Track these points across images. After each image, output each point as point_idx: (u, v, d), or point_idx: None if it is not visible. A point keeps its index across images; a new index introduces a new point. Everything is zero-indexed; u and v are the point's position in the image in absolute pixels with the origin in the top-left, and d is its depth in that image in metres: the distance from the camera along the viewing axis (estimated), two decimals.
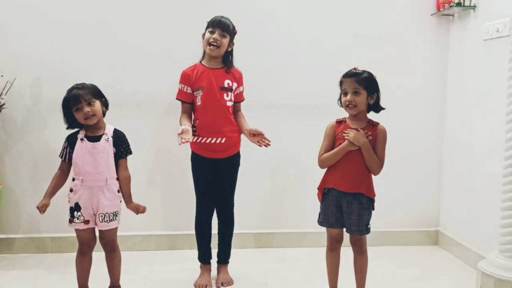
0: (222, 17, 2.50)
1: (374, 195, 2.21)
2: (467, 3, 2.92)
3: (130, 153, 2.30)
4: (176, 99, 2.56)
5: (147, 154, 3.09)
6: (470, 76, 2.95)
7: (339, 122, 2.23)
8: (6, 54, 2.92)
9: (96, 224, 2.22)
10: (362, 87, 2.14)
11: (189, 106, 2.55)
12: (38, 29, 2.95)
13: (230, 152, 2.55)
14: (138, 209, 2.28)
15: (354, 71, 2.17)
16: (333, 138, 2.22)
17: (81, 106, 2.15)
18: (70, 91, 2.19)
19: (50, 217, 3.00)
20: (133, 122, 2.93)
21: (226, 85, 2.51)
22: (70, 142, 2.21)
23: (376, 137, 2.18)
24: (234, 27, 2.52)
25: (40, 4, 2.94)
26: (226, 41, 2.48)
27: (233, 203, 2.65)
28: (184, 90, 2.52)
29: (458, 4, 2.95)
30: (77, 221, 2.19)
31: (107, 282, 2.36)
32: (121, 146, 2.25)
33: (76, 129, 2.23)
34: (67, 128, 2.23)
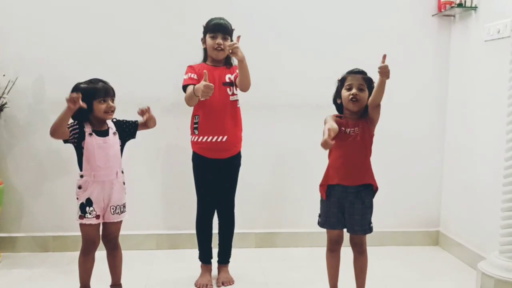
0: (220, 19, 2.52)
1: (376, 183, 2.23)
2: (468, 4, 2.92)
3: (137, 121, 2.36)
4: (183, 85, 2.51)
5: (148, 153, 3.11)
6: (471, 76, 2.95)
7: (338, 117, 2.24)
8: (8, 53, 2.94)
9: (105, 217, 2.24)
10: (366, 86, 2.17)
11: None
12: (40, 28, 2.96)
13: (231, 152, 2.56)
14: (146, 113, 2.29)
15: (360, 69, 2.21)
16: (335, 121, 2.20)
17: (108, 99, 2.20)
18: (96, 82, 2.21)
19: (52, 216, 3.04)
20: None
21: (227, 80, 2.53)
22: (80, 129, 2.18)
23: (367, 121, 2.19)
24: (231, 26, 2.54)
25: (42, 4, 2.95)
26: (228, 42, 2.50)
27: (234, 203, 2.66)
28: (192, 76, 2.50)
29: (460, 5, 2.95)
30: (89, 216, 2.20)
31: (108, 281, 2.37)
32: (127, 130, 2.32)
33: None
34: (73, 118, 2.20)
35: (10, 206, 3.03)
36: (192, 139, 2.57)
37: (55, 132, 2.12)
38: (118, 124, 2.32)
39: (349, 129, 2.19)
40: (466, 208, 3.00)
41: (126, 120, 2.34)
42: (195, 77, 2.51)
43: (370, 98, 2.17)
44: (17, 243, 3.05)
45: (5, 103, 2.86)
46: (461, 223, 3.05)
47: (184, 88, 2.51)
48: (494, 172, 2.63)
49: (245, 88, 2.53)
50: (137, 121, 2.36)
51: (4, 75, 2.87)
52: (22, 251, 3.05)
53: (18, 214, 3.06)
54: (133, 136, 2.35)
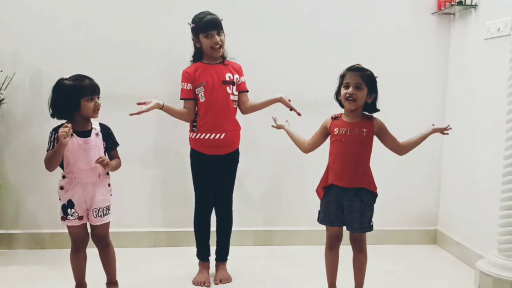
0: (208, 14, 2.47)
1: (376, 189, 2.21)
2: (468, 2, 2.91)
3: (118, 144, 2.30)
4: (180, 99, 2.54)
5: (146, 151, 3.09)
6: (470, 75, 2.95)
7: (335, 118, 2.23)
8: (5, 48, 2.92)
9: (89, 219, 2.20)
10: (364, 84, 2.14)
11: (192, 103, 2.53)
12: (37, 23, 2.94)
13: (229, 148, 2.55)
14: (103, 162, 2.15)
15: (359, 66, 2.18)
16: (325, 132, 2.25)
17: (95, 97, 2.14)
18: (82, 79, 2.13)
19: (50, 213, 3.02)
20: (132, 118, 2.92)
21: (227, 79, 2.51)
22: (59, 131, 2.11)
23: (374, 131, 2.18)
24: (219, 17, 2.50)
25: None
26: (223, 36, 2.49)
27: (232, 200, 2.66)
28: (186, 88, 2.50)
29: (459, 3, 2.93)
30: (71, 218, 2.16)
31: (105, 278, 2.35)
32: (111, 139, 2.26)
33: (61, 122, 2.15)
34: (54, 117, 2.14)
35: (7, 202, 3.02)
36: (191, 136, 2.56)
37: (51, 168, 2.11)
38: (105, 129, 2.23)
39: (343, 129, 2.17)
40: (464, 207, 2.99)
41: (113, 135, 2.27)
42: (190, 87, 2.50)
43: (403, 143, 2.21)
44: (14, 240, 3.04)
45: (3, 99, 2.85)
46: (460, 222, 3.04)
47: (182, 100, 2.52)
48: (492, 170, 2.62)
49: (246, 113, 2.64)
50: (117, 144, 2.28)
51: (1, 71, 2.85)
52: (18, 248, 3.04)
53: (16, 210, 3.05)
54: (111, 149, 2.26)
